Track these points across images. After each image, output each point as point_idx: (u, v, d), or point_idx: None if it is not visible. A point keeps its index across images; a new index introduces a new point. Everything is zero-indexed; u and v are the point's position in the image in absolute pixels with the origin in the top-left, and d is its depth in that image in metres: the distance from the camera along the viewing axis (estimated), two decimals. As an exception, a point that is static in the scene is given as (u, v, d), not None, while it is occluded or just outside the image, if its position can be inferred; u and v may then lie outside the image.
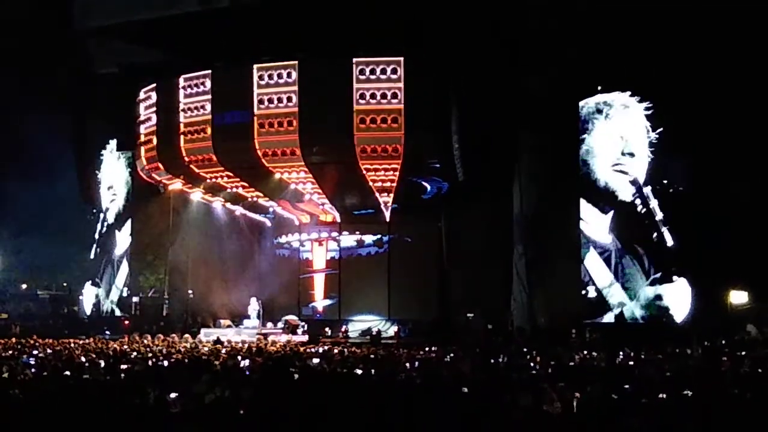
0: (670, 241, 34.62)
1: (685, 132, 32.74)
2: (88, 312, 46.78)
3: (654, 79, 33.59)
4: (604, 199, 35.80)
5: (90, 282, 47.39)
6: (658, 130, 34.64)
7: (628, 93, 35.24)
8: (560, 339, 31.91)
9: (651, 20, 32.12)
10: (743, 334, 30.68)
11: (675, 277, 34.58)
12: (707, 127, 31.41)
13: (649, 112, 34.79)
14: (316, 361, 20.54)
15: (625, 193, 35.42)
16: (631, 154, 35.29)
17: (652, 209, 34.96)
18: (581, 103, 36.13)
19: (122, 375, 15.59)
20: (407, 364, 19.19)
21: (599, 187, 35.86)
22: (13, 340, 29.03)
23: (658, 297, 34.85)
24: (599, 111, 35.83)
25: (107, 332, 39.06)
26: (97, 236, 47.41)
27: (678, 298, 34.40)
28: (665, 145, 34.48)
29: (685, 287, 34.37)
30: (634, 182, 35.40)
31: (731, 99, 31.16)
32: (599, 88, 35.79)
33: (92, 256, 47.66)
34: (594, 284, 35.92)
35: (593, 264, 36.05)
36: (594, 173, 35.93)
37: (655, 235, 34.80)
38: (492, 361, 21.49)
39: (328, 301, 46.04)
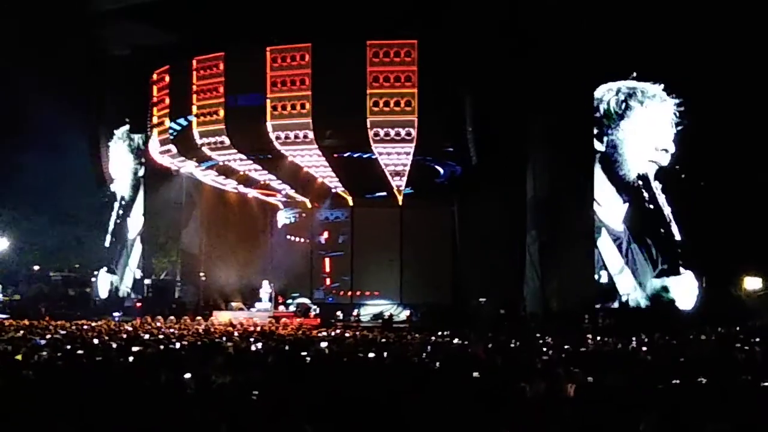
0: (678, 236, 34.59)
1: (707, 123, 32.70)
2: (105, 295, 46.88)
3: (677, 69, 33.49)
4: (626, 188, 35.69)
5: (105, 269, 47.52)
6: (680, 127, 34.59)
7: (662, 86, 35.10)
8: (573, 324, 31.92)
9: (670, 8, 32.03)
10: (757, 320, 30.59)
11: (682, 270, 34.54)
12: (729, 119, 31.33)
13: (681, 109, 34.72)
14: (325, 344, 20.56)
15: (641, 186, 35.35)
16: (665, 150, 35.15)
17: (661, 205, 34.91)
18: (613, 86, 35.88)
19: (134, 357, 15.58)
20: (424, 353, 19.06)
21: (625, 176, 35.72)
22: (26, 321, 29.14)
23: (665, 288, 34.82)
24: (639, 101, 35.61)
25: (116, 314, 38.96)
26: (112, 224, 47.52)
27: (684, 290, 34.38)
28: (686, 138, 34.40)
29: (691, 280, 34.35)
30: (643, 177, 35.32)
31: (751, 90, 31.07)
32: (634, 74, 35.61)
33: (107, 244, 47.77)
34: (606, 269, 35.86)
35: (606, 248, 35.96)
36: (625, 162, 35.74)
37: (663, 230, 34.78)
38: (504, 345, 21.46)
39: (337, 284, 46.18)
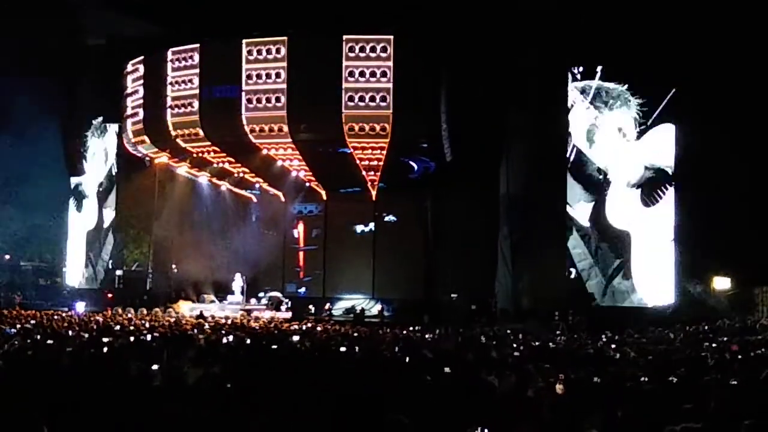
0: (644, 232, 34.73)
1: (677, 123, 32.96)
2: (77, 286, 46.47)
3: (643, 68, 33.66)
4: (591, 187, 35.78)
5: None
6: (645, 124, 34.73)
7: (626, 86, 35.15)
8: (543, 321, 32.08)
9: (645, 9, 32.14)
10: (726, 320, 30.75)
11: (647, 263, 34.69)
12: (702, 118, 31.52)
13: (645, 109, 34.79)
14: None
15: (606, 183, 35.46)
16: (630, 149, 35.24)
17: (629, 203, 35.02)
18: (580, 85, 35.93)
19: (105, 348, 15.50)
20: (396, 347, 19.09)
21: (591, 174, 35.78)
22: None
23: (626, 276, 34.96)
24: (603, 101, 35.64)
25: (79, 307, 38.53)
26: (84, 211, 47.06)
27: (651, 285, 34.52)
28: (655, 139, 34.57)
29: (659, 274, 34.45)
30: (606, 176, 35.42)
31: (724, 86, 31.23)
32: (598, 73, 35.70)
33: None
34: (575, 266, 35.96)
35: (576, 245, 36.06)
36: (590, 162, 35.79)
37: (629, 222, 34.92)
38: (475, 341, 21.54)
39: (309, 279, 46.17)
